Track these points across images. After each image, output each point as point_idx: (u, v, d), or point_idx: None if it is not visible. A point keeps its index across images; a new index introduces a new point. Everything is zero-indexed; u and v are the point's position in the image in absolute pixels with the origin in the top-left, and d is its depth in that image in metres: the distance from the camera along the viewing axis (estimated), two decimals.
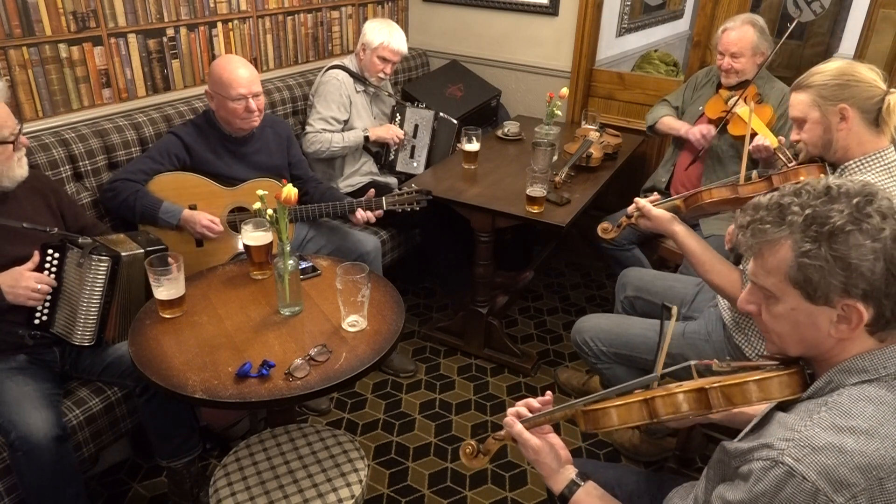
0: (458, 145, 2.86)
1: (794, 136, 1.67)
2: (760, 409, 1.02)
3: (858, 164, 1.56)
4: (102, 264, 1.77)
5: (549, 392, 1.25)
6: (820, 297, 0.92)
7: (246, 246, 1.90)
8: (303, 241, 2.51)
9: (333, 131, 2.76)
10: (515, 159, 2.88)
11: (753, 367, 1.04)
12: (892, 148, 1.56)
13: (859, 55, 2.76)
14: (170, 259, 1.69)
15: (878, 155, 1.55)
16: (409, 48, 3.61)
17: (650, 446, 2.26)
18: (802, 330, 0.96)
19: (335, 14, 3.21)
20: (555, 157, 2.75)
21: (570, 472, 1.17)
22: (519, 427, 1.17)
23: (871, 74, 1.55)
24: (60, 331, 1.79)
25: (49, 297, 1.77)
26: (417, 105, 2.99)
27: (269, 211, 1.68)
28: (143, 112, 2.38)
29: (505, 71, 3.50)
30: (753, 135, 2.32)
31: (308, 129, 2.75)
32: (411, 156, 2.98)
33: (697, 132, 2.60)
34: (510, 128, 3.12)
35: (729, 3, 2.94)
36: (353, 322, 1.71)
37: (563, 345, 2.89)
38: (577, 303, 3.23)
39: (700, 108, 2.70)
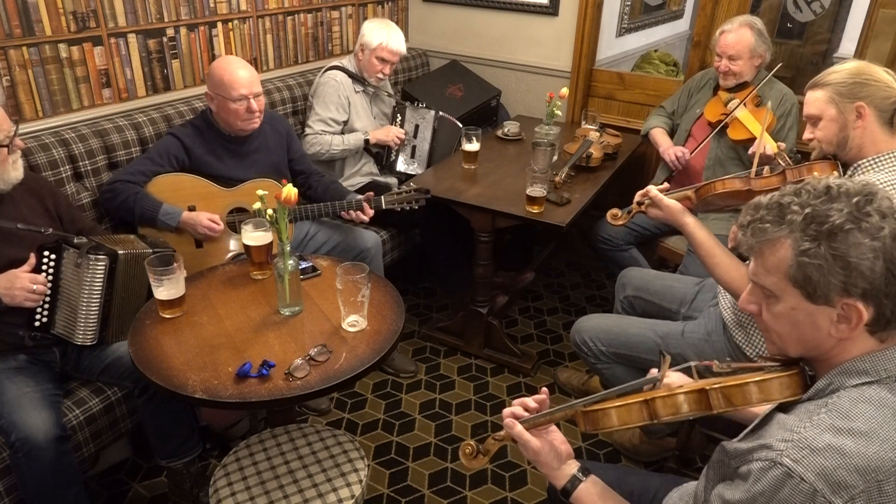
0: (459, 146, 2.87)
1: (807, 135, 1.67)
2: (765, 407, 1.02)
3: (871, 162, 1.57)
4: (100, 263, 1.77)
5: (544, 389, 1.25)
6: (820, 297, 0.92)
7: (246, 246, 1.90)
8: (304, 239, 2.51)
9: (333, 133, 2.76)
10: (515, 159, 2.88)
11: (754, 369, 1.04)
12: None
13: (859, 56, 2.75)
14: (170, 259, 1.69)
15: (891, 155, 1.55)
16: (409, 48, 3.62)
17: (650, 446, 2.26)
18: (802, 329, 0.96)
19: (335, 14, 3.21)
20: (555, 157, 2.75)
21: (573, 467, 1.17)
22: (519, 428, 1.17)
23: (886, 76, 1.57)
24: (61, 331, 1.79)
25: (48, 299, 1.77)
26: (418, 105, 2.99)
27: (269, 211, 1.68)
28: (143, 112, 2.38)
29: (505, 71, 3.50)
30: (754, 138, 2.32)
31: (307, 130, 2.75)
32: (412, 156, 2.98)
33: (672, 154, 2.63)
34: (510, 128, 3.12)
35: (729, 3, 2.94)
36: (353, 322, 1.71)
37: (563, 345, 2.89)
38: (577, 303, 3.23)
39: (698, 111, 2.69)
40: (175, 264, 1.68)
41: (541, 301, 3.23)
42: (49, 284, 1.76)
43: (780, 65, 2.48)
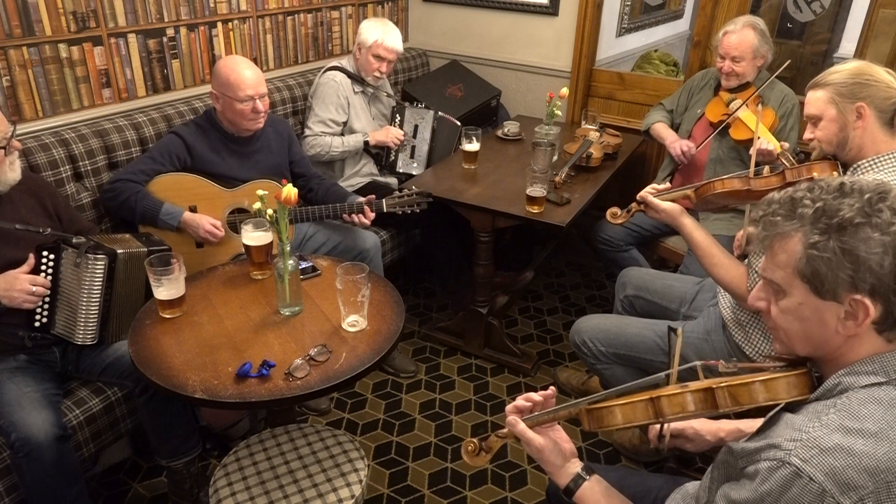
0: (459, 146, 2.87)
1: (807, 135, 1.67)
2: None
3: (871, 163, 1.57)
4: (99, 262, 1.77)
5: (552, 387, 1.24)
6: (827, 292, 0.91)
7: (246, 246, 1.90)
8: (303, 239, 2.51)
9: (332, 134, 2.76)
10: (515, 159, 2.88)
11: (760, 369, 1.04)
12: None
13: (859, 56, 2.75)
14: (170, 259, 1.69)
15: (891, 155, 1.55)
16: (409, 48, 3.62)
17: (650, 447, 2.25)
18: (809, 326, 0.95)
19: (335, 14, 3.21)
20: (555, 157, 2.75)
21: (576, 466, 1.17)
22: (522, 426, 1.16)
23: (887, 76, 1.56)
24: (61, 332, 1.79)
25: (48, 299, 1.77)
26: (417, 105, 2.99)
27: (269, 211, 1.68)
28: (143, 112, 2.38)
29: (505, 71, 3.50)
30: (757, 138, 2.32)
31: (307, 132, 2.75)
32: (411, 156, 2.98)
33: (678, 148, 2.62)
34: (510, 128, 3.12)
35: (729, 3, 2.94)
36: (353, 322, 1.71)
37: (563, 345, 2.89)
38: (577, 303, 3.23)
39: (699, 111, 2.69)
40: (175, 264, 1.68)
41: (541, 301, 3.23)
42: (49, 285, 1.76)
43: (788, 62, 2.47)
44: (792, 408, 0.98)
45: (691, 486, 1.21)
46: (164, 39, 2.48)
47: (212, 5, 2.61)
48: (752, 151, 1.91)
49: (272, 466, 1.63)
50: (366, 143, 2.80)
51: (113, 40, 2.32)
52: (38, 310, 1.77)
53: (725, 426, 1.33)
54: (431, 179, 2.67)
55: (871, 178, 0.95)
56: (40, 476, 1.61)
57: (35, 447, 1.58)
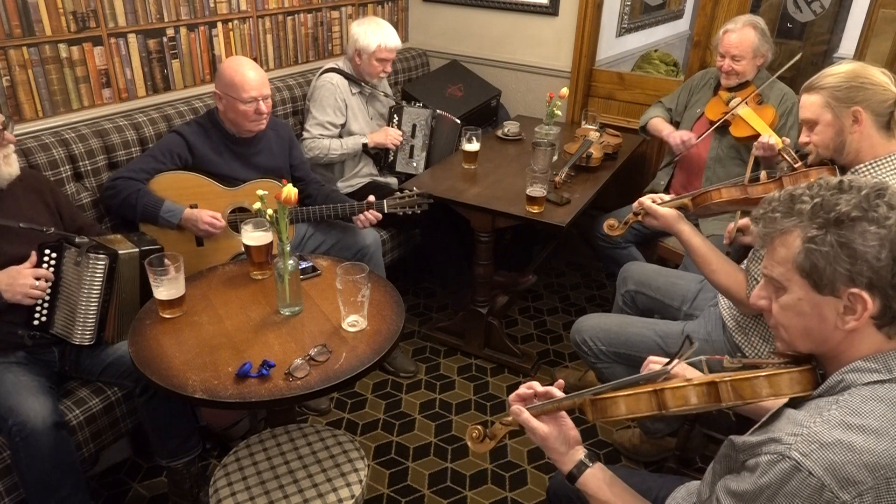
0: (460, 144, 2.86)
1: (803, 139, 1.66)
2: (776, 403, 1.02)
3: (869, 167, 1.56)
4: (100, 263, 1.77)
5: (560, 381, 1.24)
6: (826, 286, 0.92)
7: (246, 246, 1.90)
8: (303, 238, 2.51)
9: (330, 136, 2.76)
10: (515, 159, 2.88)
11: (765, 365, 1.04)
12: None
13: (859, 56, 2.75)
14: (168, 259, 1.69)
15: (888, 159, 1.55)
16: (409, 48, 3.63)
17: (650, 446, 2.25)
18: (809, 321, 0.96)
19: (335, 14, 3.21)
20: (555, 157, 2.75)
21: (580, 453, 1.17)
22: (526, 415, 1.17)
23: (883, 78, 1.55)
24: (60, 331, 1.79)
25: (48, 298, 1.77)
26: (414, 104, 2.98)
27: (269, 211, 1.68)
28: (143, 112, 2.38)
29: (505, 71, 3.50)
30: (757, 135, 2.32)
31: (305, 135, 2.75)
32: (410, 156, 2.98)
33: (678, 137, 2.61)
34: (510, 128, 3.12)
35: (729, 3, 2.94)
36: (353, 322, 1.71)
37: (563, 345, 2.89)
38: (577, 303, 3.23)
39: (699, 111, 2.69)
40: (170, 265, 1.68)
41: (541, 301, 3.23)
42: (52, 278, 1.76)
43: (800, 55, 2.46)
44: (795, 403, 0.98)
45: (693, 484, 1.21)
46: (164, 39, 2.48)
47: (212, 5, 2.61)
48: (752, 155, 1.91)
49: (272, 466, 1.63)
50: (364, 144, 2.80)
51: (113, 40, 2.32)
52: (38, 308, 1.77)
53: None
54: (431, 179, 2.67)
55: (870, 177, 0.96)
56: (38, 464, 1.60)
57: (32, 431, 1.58)
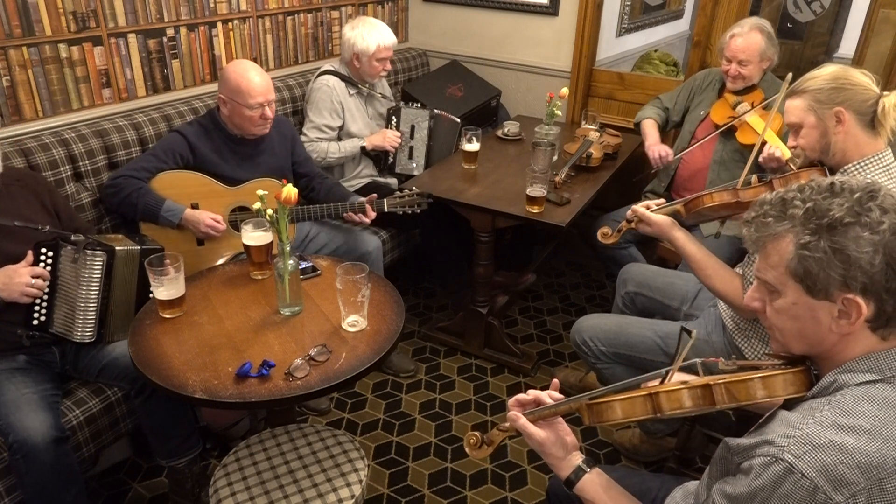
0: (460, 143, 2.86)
1: (790, 143, 1.68)
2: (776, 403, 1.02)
3: (857, 167, 1.57)
4: (97, 259, 1.77)
5: (555, 381, 1.25)
6: (820, 291, 0.92)
7: (246, 246, 1.90)
8: (304, 240, 2.51)
9: (328, 139, 2.76)
10: (515, 159, 2.88)
11: (759, 366, 1.05)
12: (889, 150, 1.57)
13: (859, 55, 2.75)
14: (168, 260, 1.69)
15: (876, 157, 1.55)
16: (409, 48, 3.63)
17: (650, 446, 2.26)
18: (804, 325, 0.96)
19: (335, 14, 3.21)
20: (555, 157, 2.75)
21: (577, 459, 1.17)
22: (523, 420, 1.17)
23: (864, 78, 1.56)
24: (59, 330, 1.79)
25: (46, 297, 1.77)
26: (412, 105, 2.98)
27: (269, 211, 1.68)
28: (143, 112, 2.38)
29: (505, 71, 3.50)
30: (763, 143, 2.31)
31: (303, 138, 2.74)
32: (409, 157, 2.98)
33: (656, 151, 2.63)
34: (510, 128, 3.12)
35: (729, 3, 2.94)
36: (353, 322, 1.71)
37: (563, 345, 2.89)
38: (577, 303, 3.23)
39: (703, 113, 2.68)
40: (173, 265, 1.68)
41: (541, 301, 3.23)
42: (48, 276, 1.76)
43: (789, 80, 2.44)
44: (789, 405, 0.99)
45: (692, 485, 1.21)
46: (164, 39, 2.48)
47: (212, 5, 2.61)
48: (759, 156, 1.89)
49: (272, 466, 1.63)
50: (363, 147, 2.80)
51: (113, 40, 2.32)
52: (37, 307, 1.77)
53: None
54: (431, 179, 2.67)
55: (861, 178, 0.96)
56: (38, 477, 1.61)
57: (32, 449, 1.58)
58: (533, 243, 3.41)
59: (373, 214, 2.37)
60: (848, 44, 3.71)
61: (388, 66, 2.82)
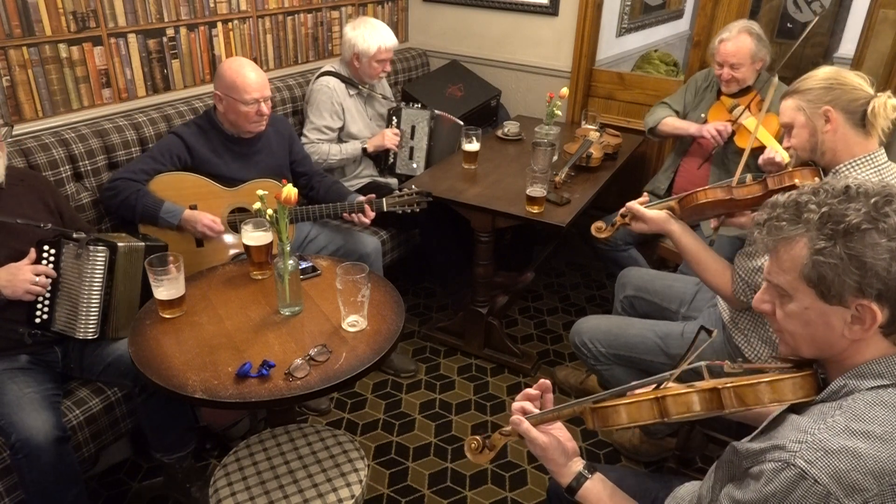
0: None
1: (784, 143, 1.68)
2: (777, 407, 1.02)
3: (848, 166, 1.56)
4: (100, 254, 1.78)
5: (545, 381, 1.23)
6: (834, 297, 0.91)
7: (246, 246, 1.90)
8: (304, 241, 2.51)
9: (329, 140, 2.76)
10: (515, 159, 2.88)
11: (766, 370, 1.04)
12: (882, 150, 1.57)
13: (859, 55, 2.75)
14: (169, 259, 1.69)
15: (868, 157, 1.54)
16: (409, 48, 3.63)
17: (650, 446, 2.26)
18: (815, 329, 0.95)
19: (335, 14, 3.21)
20: (555, 157, 2.75)
21: (578, 465, 1.17)
22: (526, 425, 1.16)
23: (857, 80, 1.55)
24: (62, 327, 1.80)
25: (48, 295, 1.77)
26: (412, 105, 2.98)
27: (269, 211, 1.68)
28: (143, 112, 2.38)
29: (505, 71, 3.50)
30: (763, 147, 2.30)
31: (304, 140, 2.74)
32: (410, 157, 2.98)
33: (713, 128, 2.53)
34: (510, 128, 3.12)
35: (729, 3, 2.94)
36: (353, 322, 1.71)
37: (563, 345, 2.89)
38: (577, 303, 3.23)
39: (703, 115, 2.67)
40: (173, 264, 1.68)
41: (541, 301, 3.23)
42: (52, 273, 1.76)
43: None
44: (797, 409, 0.98)
45: (692, 485, 1.21)
46: (164, 39, 2.48)
47: (212, 5, 2.61)
48: (765, 159, 1.89)
49: (272, 466, 1.63)
50: (364, 149, 2.80)
51: (113, 40, 2.32)
52: (39, 306, 1.77)
53: None
54: (431, 180, 2.67)
55: (876, 181, 0.95)
56: (39, 477, 1.61)
57: (34, 448, 1.58)
58: (533, 243, 3.41)
59: (372, 215, 2.36)
60: (848, 44, 3.71)
61: (388, 68, 2.82)
